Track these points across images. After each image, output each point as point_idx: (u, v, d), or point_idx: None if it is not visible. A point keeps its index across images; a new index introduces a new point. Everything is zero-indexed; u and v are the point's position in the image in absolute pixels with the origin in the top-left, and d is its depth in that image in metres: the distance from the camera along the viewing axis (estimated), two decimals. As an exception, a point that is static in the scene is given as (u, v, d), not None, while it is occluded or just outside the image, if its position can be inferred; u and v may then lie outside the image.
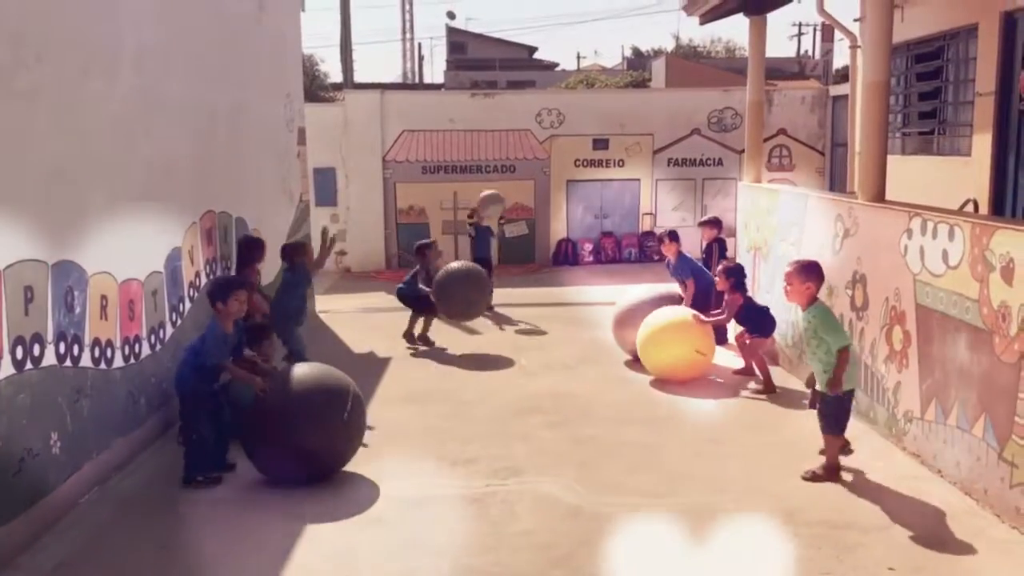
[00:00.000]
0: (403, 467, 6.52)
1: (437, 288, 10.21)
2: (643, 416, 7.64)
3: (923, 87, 11.63)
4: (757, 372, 8.57)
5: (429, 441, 7.08)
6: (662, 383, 8.60)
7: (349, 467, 6.50)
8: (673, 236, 10.02)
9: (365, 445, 6.63)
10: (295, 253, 9.03)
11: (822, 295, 6.57)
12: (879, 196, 7.41)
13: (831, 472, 6.08)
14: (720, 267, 8.88)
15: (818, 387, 6.15)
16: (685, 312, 8.82)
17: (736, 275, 8.69)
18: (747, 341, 8.71)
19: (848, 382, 6.05)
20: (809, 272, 6.22)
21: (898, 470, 6.26)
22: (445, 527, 5.48)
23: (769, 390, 8.35)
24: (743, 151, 15.50)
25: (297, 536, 5.36)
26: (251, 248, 9.18)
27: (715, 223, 10.98)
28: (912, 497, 5.79)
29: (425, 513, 5.70)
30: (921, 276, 6.36)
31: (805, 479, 6.04)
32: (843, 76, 26.31)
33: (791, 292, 6.22)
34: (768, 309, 8.81)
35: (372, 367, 9.55)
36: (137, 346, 6.89)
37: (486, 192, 12.90)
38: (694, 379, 8.58)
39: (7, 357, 5.03)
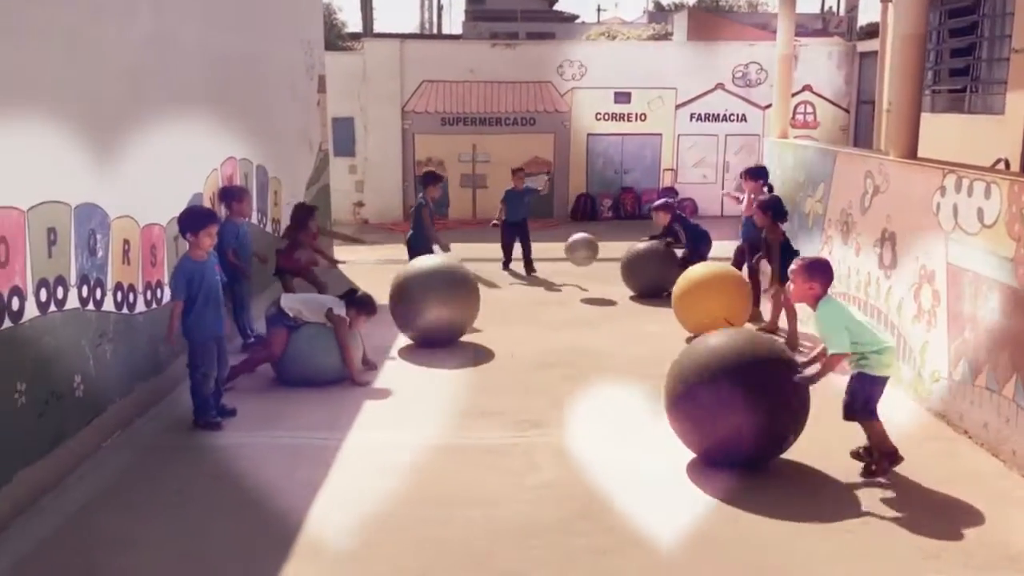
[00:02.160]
0: (425, 420, 6.51)
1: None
2: (661, 371, 7.56)
3: (956, 43, 11.37)
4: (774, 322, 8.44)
5: (450, 394, 7.07)
6: (681, 338, 8.55)
7: (368, 417, 6.51)
8: (668, 207, 10.06)
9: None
10: (230, 197, 8.29)
11: (848, 271, 6.23)
12: (911, 153, 7.26)
13: (891, 458, 5.44)
14: (756, 201, 8.57)
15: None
16: (724, 269, 8.62)
17: (775, 207, 8.33)
18: (774, 288, 8.38)
19: (881, 368, 5.42)
20: (812, 271, 5.55)
21: (923, 431, 6.20)
22: (472, 477, 5.48)
23: (771, 329, 8.32)
24: (768, 107, 15.31)
25: (319, 485, 5.36)
26: (306, 211, 9.40)
27: (668, 206, 10.40)
28: (937, 458, 5.74)
29: (452, 463, 5.70)
30: (954, 235, 6.24)
31: (863, 476, 5.44)
32: (868, 33, 25.84)
33: (794, 292, 5.66)
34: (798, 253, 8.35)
35: (390, 319, 9.51)
36: (159, 291, 6.86)
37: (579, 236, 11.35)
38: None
39: (31, 299, 5.00)
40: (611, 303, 10.15)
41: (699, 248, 9.94)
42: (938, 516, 4.95)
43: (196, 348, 6.22)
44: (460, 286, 8.46)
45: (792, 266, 5.72)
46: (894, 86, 7.69)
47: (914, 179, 6.87)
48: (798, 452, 5.58)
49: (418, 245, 10.48)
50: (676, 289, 8.60)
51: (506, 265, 12.24)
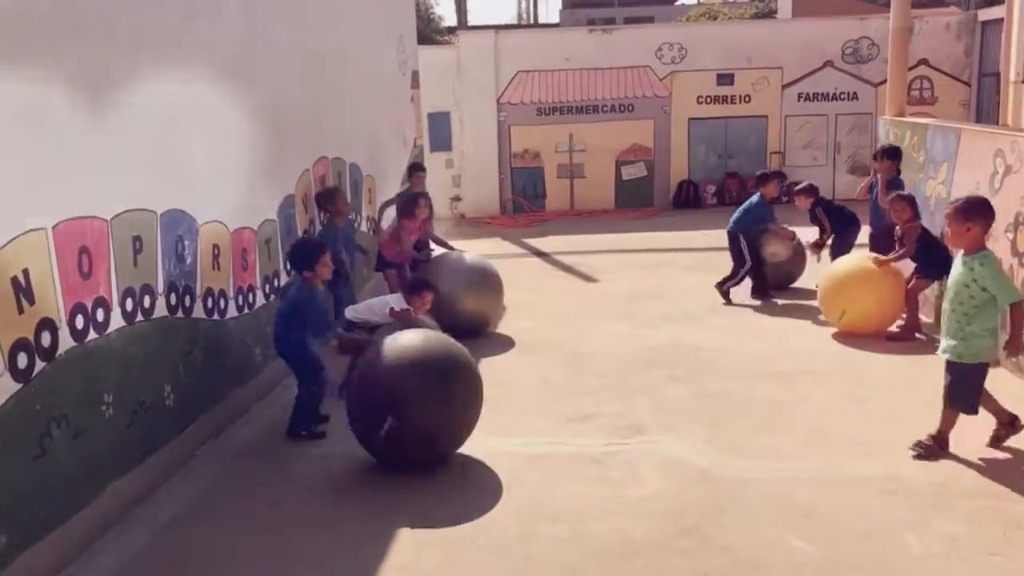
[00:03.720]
0: (518, 423, 6.24)
1: None
2: (776, 370, 7.12)
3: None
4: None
5: (544, 396, 6.77)
6: (795, 333, 8.08)
7: (463, 422, 6.28)
8: (811, 191, 9.29)
9: None
10: (327, 200, 8.18)
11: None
12: (1049, 128, 6.59)
13: (943, 444, 5.38)
14: (894, 194, 7.95)
15: (944, 354, 5.34)
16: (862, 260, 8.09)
17: (914, 202, 7.79)
18: (910, 284, 7.83)
19: (987, 353, 5.23)
20: (969, 211, 5.21)
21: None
22: (563, 489, 5.17)
23: (908, 337, 7.72)
24: (882, 83, 14.48)
25: (409, 497, 5.14)
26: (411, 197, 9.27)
27: (811, 190, 9.53)
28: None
29: (541, 474, 5.40)
30: (1102, 218, 5.60)
31: (914, 457, 5.36)
32: (989, 0, 24.33)
33: (951, 238, 5.37)
34: (947, 248, 7.56)
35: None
36: (251, 295, 6.79)
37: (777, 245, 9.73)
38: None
39: (116, 309, 4.93)
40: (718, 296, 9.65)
41: (846, 235, 9.15)
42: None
43: (314, 366, 6.09)
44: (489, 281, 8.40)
45: (946, 210, 5.40)
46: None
47: (1053, 157, 6.23)
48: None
49: None
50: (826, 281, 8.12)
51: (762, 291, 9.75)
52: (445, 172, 16.55)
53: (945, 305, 5.43)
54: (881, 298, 7.83)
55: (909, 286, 7.85)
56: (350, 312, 7.08)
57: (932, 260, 7.57)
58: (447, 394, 5.39)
